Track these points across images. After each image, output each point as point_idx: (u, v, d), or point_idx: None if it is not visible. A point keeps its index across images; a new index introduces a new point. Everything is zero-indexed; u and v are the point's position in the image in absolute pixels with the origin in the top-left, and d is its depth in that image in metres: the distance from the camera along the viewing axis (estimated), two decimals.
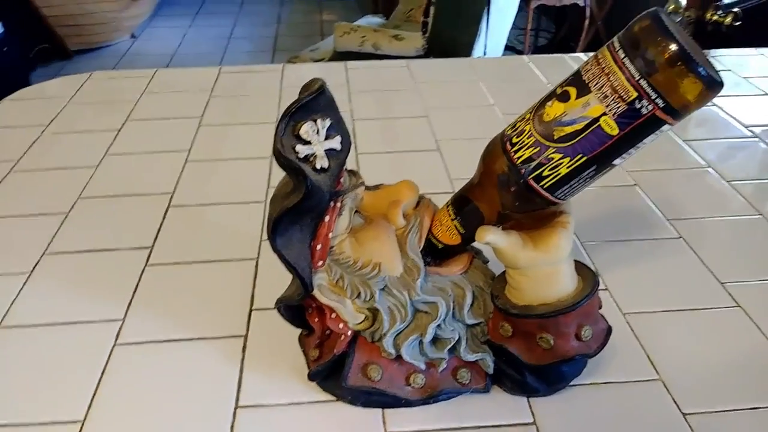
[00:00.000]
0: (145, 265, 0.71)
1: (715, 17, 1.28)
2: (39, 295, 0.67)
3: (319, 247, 0.48)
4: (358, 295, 0.49)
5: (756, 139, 0.97)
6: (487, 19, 2.11)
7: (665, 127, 0.41)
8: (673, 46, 0.38)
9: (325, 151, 0.47)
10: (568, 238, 0.48)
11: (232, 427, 0.52)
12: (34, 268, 0.71)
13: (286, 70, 1.21)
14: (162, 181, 0.86)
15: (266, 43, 3.83)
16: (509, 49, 3.01)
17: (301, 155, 0.46)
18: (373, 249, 0.49)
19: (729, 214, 0.79)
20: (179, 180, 0.87)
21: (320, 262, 0.49)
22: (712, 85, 0.39)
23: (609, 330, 0.51)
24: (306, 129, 0.46)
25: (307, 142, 0.46)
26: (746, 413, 0.53)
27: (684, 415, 0.53)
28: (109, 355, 0.59)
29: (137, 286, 0.68)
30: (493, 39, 2.25)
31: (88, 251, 0.74)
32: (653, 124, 0.40)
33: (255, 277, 0.69)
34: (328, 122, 0.47)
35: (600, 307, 0.52)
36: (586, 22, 2.79)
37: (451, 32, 2.14)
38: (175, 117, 1.03)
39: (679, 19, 1.37)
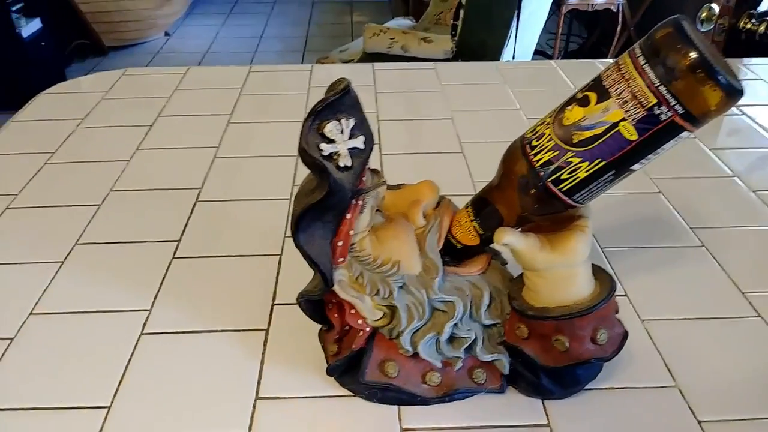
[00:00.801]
0: (173, 257, 0.73)
1: (749, 25, 1.27)
2: (70, 283, 0.69)
3: (340, 243, 0.49)
4: (377, 292, 0.50)
5: None
6: (517, 23, 2.10)
7: (685, 134, 0.41)
8: (694, 54, 0.38)
9: (348, 149, 0.48)
10: (586, 241, 0.48)
11: (252, 417, 0.54)
12: (66, 257, 0.73)
13: (314, 70, 1.23)
14: (190, 177, 0.88)
15: (297, 44, 3.87)
16: (539, 53, 3.00)
17: (326, 153, 0.47)
18: (393, 247, 0.50)
19: (753, 224, 0.79)
20: (207, 176, 0.89)
21: (341, 259, 0.50)
22: (732, 92, 0.39)
23: (625, 334, 0.52)
24: (330, 128, 0.47)
25: (331, 141, 0.47)
26: (763, 423, 0.53)
27: (699, 422, 0.53)
28: (136, 344, 0.61)
29: (164, 277, 0.70)
30: (523, 43, 2.24)
31: (118, 242, 0.76)
32: (672, 131, 0.41)
33: (278, 273, 0.70)
34: (352, 122, 0.48)
35: (617, 312, 0.52)
36: (619, 27, 2.76)
37: (480, 35, 2.14)
38: (205, 114, 1.06)
39: (713, 26, 1.35)
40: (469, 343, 0.52)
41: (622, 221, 0.79)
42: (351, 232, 0.49)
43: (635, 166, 0.43)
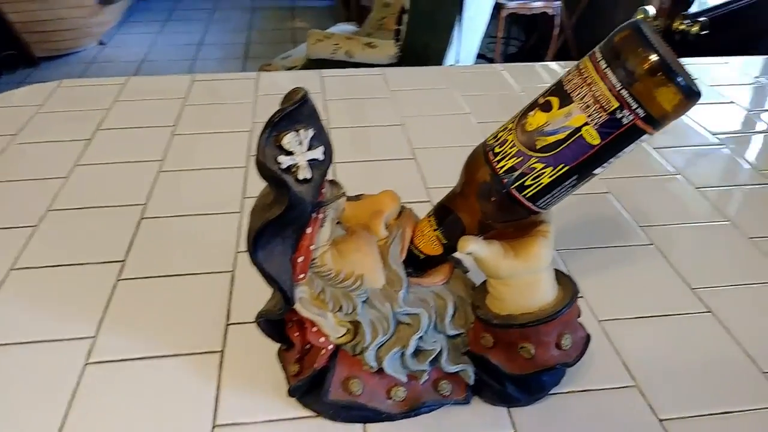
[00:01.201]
0: (117, 279, 0.69)
1: (683, 26, 1.31)
2: (5, 313, 0.65)
3: (300, 259, 0.47)
4: (340, 308, 0.48)
5: (722, 146, 0.99)
6: (460, 26, 2.12)
7: (644, 137, 0.41)
8: (654, 57, 0.38)
9: (307, 161, 0.46)
10: (549, 247, 0.48)
11: None
12: None
13: (260, 78, 1.20)
14: (134, 192, 0.85)
15: (237, 50, 3.80)
16: (480, 57, 3.04)
17: (284, 166, 0.45)
18: (355, 261, 0.48)
19: (697, 220, 0.81)
20: (152, 190, 0.85)
21: (302, 275, 0.48)
22: (691, 95, 0.39)
23: (588, 338, 0.52)
24: (289, 139, 0.45)
25: (289, 153, 0.45)
26: (720, 418, 0.54)
27: (661, 421, 0.53)
28: (81, 375, 0.58)
29: (109, 301, 0.66)
30: (466, 47, 2.27)
31: (58, 266, 0.72)
32: (633, 134, 0.41)
33: (231, 290, 0.67)
34: (311, 132, 0.47)
35: (579, 315, 0.52)
36: (556, 30, 2.83)
37: (423, 40, 2.15)
38: (147, 126, 1.02)
39: None
40: (434, 355, 0.51)
41: (574, 222, 0.79)
42: (312, 247, 0.48)
43: (597, 170, 0.43)
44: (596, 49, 0.41)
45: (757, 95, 1.18)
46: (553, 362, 0.49)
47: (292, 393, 0.53)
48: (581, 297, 0.67)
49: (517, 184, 0.44)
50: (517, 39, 3.57)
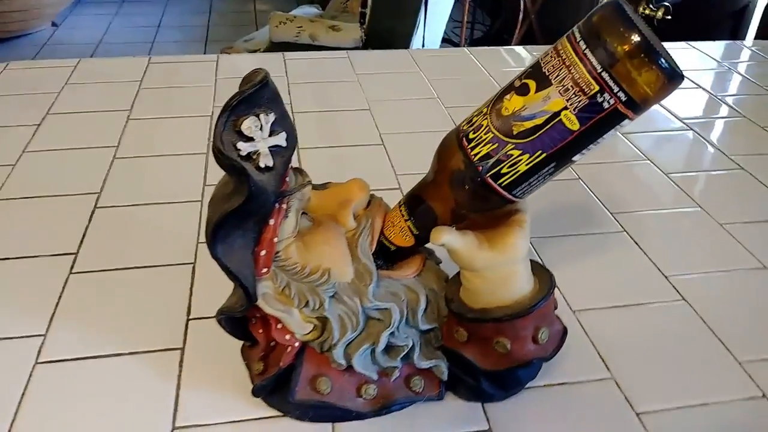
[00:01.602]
0: (69, 273, 0.65)
1: (647, 11, 1.31)
2: None
3: (263, 253, 0.44)
4: (306, 304, 0.46)
5: (688, 131, 0.99)
6: (425, 10, 2.09)
7: (625, 122, 0.39)
8: (636, 37, 0.36)
9: (269, 148, 0.43)
10: (525, 237, 0.46)
11: None
12: None
13: (220, 60, 1.16)
14: (87, 180, 0.80)
15: (198, 33, 3.70)
16: (446, 41, 3.01)
17: (243, 153, 0.42)
18: (322, 253, 0.46)
19: (669, 206, 0.80)
20: (107, 178, 0.81)
21: (265, 269, 0.45)
22: (674, 77, 0.38)
23: (565, 331, 0.50)
24: (248, 124, 0.42)
25: (249, 139, 0.42)
26: (697, 409, 0.53)
27: (638, 414, 0.52)
28: (30, 376, 0.54)
29: (60, 296, 0.62)
30: (431, 31, 2.24)
31: (4, 259, 0.67)
32: (614, 119, 0.39)
33: (192, 284, 0.64)
34: (272, 117, 0.43)
35: (555, 308, 0.50)
36: (521, 15, 2.82)
37: (389, 23, 2.12)
38: (100, 110, 0.97)
39: None
40: (406, 351, 0.49)
41: (547, 209, 0.78)
42: (275, 240, 0.45)
43: (576, 157, 0.41)
44: (575, 28, 0.39)
45: (720, 80, 1.19)
46: (530, 357, 0.48)
47: (256, 393, 0.50)
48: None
49: (492, 172, 0.42)
50: (482, 23, 3.55)
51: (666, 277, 0.68)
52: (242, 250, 0.43)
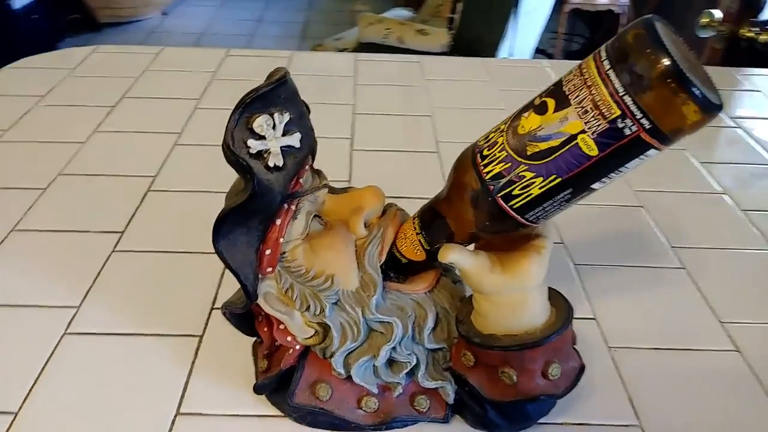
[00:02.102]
0: (113, 250, 0.68)
1: (750, 34, 1.21)
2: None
3: (268, 252, 0.44)
4: (308, 308, 0.45)
5: None
6: (515, 19, 2.04)
7: (652, 152, 0.36)
8: (665, 61, 0.33)
9: (281, 148, 0.43)
10: (541, 264, 0.43)
11: None
12: None
13: (294, 57, 1.18)
14: (146, 163, 0.83)
15: (295, 29, 3.80)
16: (540, 52, 2.94)
17: (253, 151, 0.42)
18: (328, 259, 0.45)
19: (740, 246, 0.74)
20: (164, 163, 0.84)
21: (269, 269, 0.45)
22: (708, 108, 0.34)
23: (581, 369, 0.47)
24: (260, 122, 0.42)
25: (261, 137, 0.42)
26: None
27: None
28: (57, 345, 0.56)
29: (100, 272, 0.65)
30: (521, 41, 2.18)
31: (58, 231, 0.71)
32: (637, 148, 0.35)
33: (222, 275, 0.65)
34: (287, 116, 0.43)
35: (574, 343, 0.47)
36: (620, 29, 2.70)
37: (477, 30, 2.09)
38: (171, 97, 1.00)
39: (713, 33, 1.29)
40: (409, 367, 0.47)
41: (598, 236, 0.74)
42: (281, 240, 0.44)
43: (596, 185, 0.38)
44: (603, 47, 0.36)
45: None
46: (538, 392, 0.45)
47: (257, 390, 0.50)
48: (592, 318, 0.62)
49: (503, 192, 0.39)
50: (581, 36, 3.44)
51: (721, 322, 0.62)
52: (245, 248, 0.43)
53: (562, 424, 0.51)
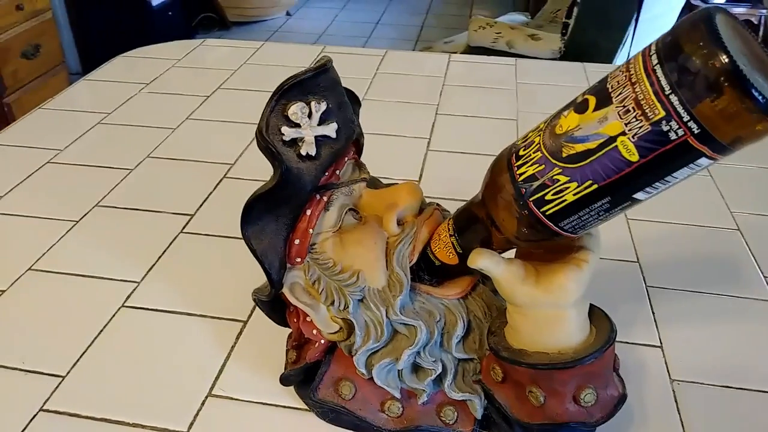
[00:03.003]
0: (181, 231, 0.71)
1: None
2: (76, 244, 0.68)
3: (297, 241, 0.44)
4: (332, 302, 0.44)
5: None
6: (635, 26, 1.93)
7: (704, 162, 0.32)
8: (721, 57, 0.29)
9: (316, 137, 0.42)
10: (580, 279, 0.39)
11: (196, 414, 0.50)
12: (82, 217, 0.73)
13: (387, 56, 1.17)
14: (227, 151, 0.86)
15: (411, 33, 3.82)
16: None
17: (287, 138, 0.41)
18: (355, 254, 0.44)
19: None
20: (244, 152, 0.86)
21: (298, 259, 0.44)
22: None
23: (622, 399, 0.42)
24: (295, 110, 0.41)
25: (295, 125, 0.41)
26: None
27: None
28: (112, 316, 0.59)
29: (164, 251, 0.68)
30: (640, 48, 2.06)
31: (135, 209, 0.75)
32: (685, 155, 0.31)
33: None
34: (324, 106, 0.42)
35: (616, 369, 0.43)
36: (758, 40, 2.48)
37: (592, 37, 1.99)
38: (263, 90, 1.03)
39: None
40: (434, 375, 0.44)
41: (681, 257, 0.67)
42: (311, 231, 0.44)
43: (639, 195, 0.34)
44: (655, 40, 0.32)
45: None
46: (566, 418, 0.41)
47: (283, 381, 0.49)
48: (658, 346, 0.56)
49: (536, 197, 0.36)
50: None
51: None
52: (274, 236, 0.43)
53: None
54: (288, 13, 4.07)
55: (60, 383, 0.52)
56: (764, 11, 2.42)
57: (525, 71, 1.11)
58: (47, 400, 0.51)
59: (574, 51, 2.03)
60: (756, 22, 2.47)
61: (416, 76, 1.09)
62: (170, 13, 3.29)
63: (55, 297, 0.61)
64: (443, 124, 0.94)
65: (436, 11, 4.17)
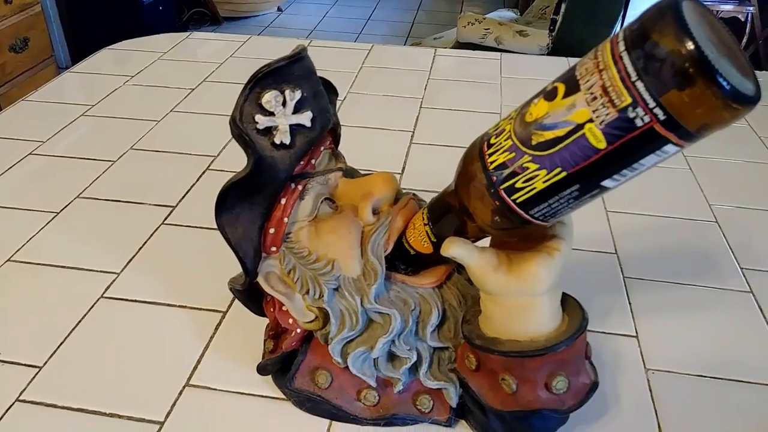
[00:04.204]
0: (162, 222, 0.71)
1: None
2: (57, 235, 0.68)
3: (272, 230, 0.44)
4: (308, 291, 0.44)
5: None
6: (622, 22, 1.94)
7: (670, 148, 0.32)
8: (688, 44, 0.29)
9: (290, 126, 0.42)
10: (552, 267, 0.40)
11: (173, 404, 0.50)
12: (63, 209, 0.72)
13: (373, 50, 1.17)
14: (210, 144, 0.86)
15: (402, 29, 3.82)
16: None
17: (261, 127, 0.41)
18: (331, 243, 0.44)
19: None
20: (227, 144, 0.86)
21: (273, 248, 0.44)
22: (738, 99, 0.29)
23: (593, 386, 0.43)
24: (269, 98, 0.41)
25: (269, 113, 0.41)
26: None
27: None
28: (91, 307, 0.59)
29: (146, 242, 0.67)
30: None
31: (117, 201, 0.74)
32: (652, 142, 0.31)
33: None
34: (298, 94, 0.42)
35: (588, 357, 0.43)
36: (745, 38, 2.49)
37: (580, 33, 1.99)
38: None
39: None
40: (409, 364, 0.45)
41: (658, 249, 0.68)
42: (285, 220, 0.44)
43: (607, 183, 0.34)
44: (623, 27, 0.32)
45: None
46: (538, 405, 0.41)
47: (260, 370, 0.49)
48: (634, 336, 0.57)
49: (506, 184, 0.36)
50: None
51: None
52: (248, 224, 0.43)
53: None
54: (279, 9, 4.06)
55: (37, 373, 0.52)
56: (751, 8, 2.43)
57: (510, 66, 1.12)
58: (24, 390, 0.51)
59: (562, 47, 2.04)
60: (743, 19, 2.48)
61: (402, 70, 1.10)
62: (161, 8, 3.26)
63: (33, 288, 0.61)
64: (427, 117, 0.94)
65: (426, 7, 4.17)
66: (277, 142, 0.41)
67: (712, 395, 0.51)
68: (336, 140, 0.49)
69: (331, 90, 0.48)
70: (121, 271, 0.63)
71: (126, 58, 1.13)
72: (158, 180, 0.78)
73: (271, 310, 0.49)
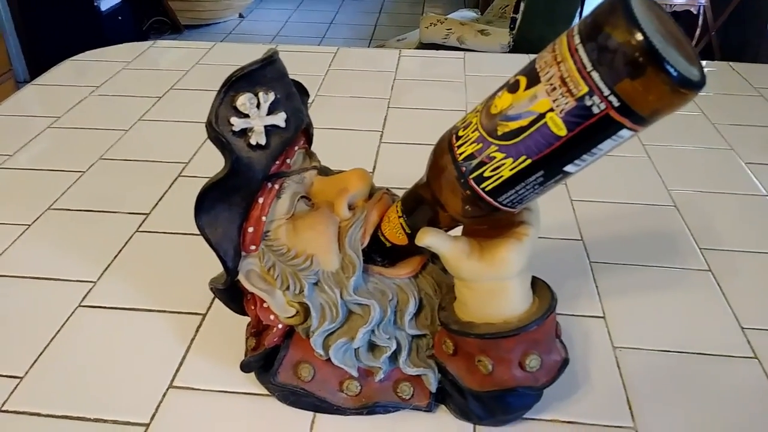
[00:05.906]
0: (136, 230, 0.71)
1: None
2: (29, 247, 0.68)
3: (250, 229, 0.45)
4: (288, 287, 0.45)
5: None
6: (580, 18, 1.99)
7: (625, 133, 0.34)
8: (637, 35, 0.31)
9: (265, 127, 0.43)
10: (521, 252, 0.42)
11: (158, 406, 0.50)
12: (34, 221, 0.72)
13: (339, 53, 1.19)
14: (181, 151, 0.86)
15: (365, 32, 3.84)
16: None
17: (237, 129, 0.43)
18: (308, 239, 0.45)
19: None
20: (198, 151, 0.87)
21: (252, 247, 0.45)
22: (684, 85, 0.32)
23: (564, 362, 0.45)
24: (243, 101, 0.42)
25: (244, 115, 0.43)
26: None
27: None
28: (69, 316, 0.59)
29: (121, 250, 0.68)
30: None
31: (89, 211, 0.74)
32: (608, 127, 0.34)
33: None
34: (272, 96, 0.44)
35: (558, 335, 0.45)
36: (698, 30, 2.58)
37: (539, 31, 2.04)
38: (214, 89, 1.03)
39: None
40: (389, 352, 0.46)
41: (622, 234, 0.71)
42: (264, 219, 0.45)
43: (569, 168, 0.37)
44: (577, 22, 0.35)
45: None
46: (514, 384, 0.43)
47: (243, 367, 0.50)
48: (601, 317, 0.59)
49: (475, 174, 0.38)
50: None
51: (742, 328, 0.58)
52: (227, 224, 0.44)
53: (551, 420, 0.49)
54: (241, 15, 4.05)
55: (18, 384, 0.52)
56: (703, 1, 2.52)
57: (473, 65, 1.14)
58: (5, 401, 0.51)
59: (522, 45, 2.08)
60: (696, 12, 2.57)
61: (368, 72, 1.11)
62: (120, 17, 3.23)
63: (9, 301, 0.61)
64: (395, 117, 0.96)
65: (388, 10, 4.20)
66: (253, 143, 0.43)
67: (676, 369, 0.54)
68: (309, 140, 0.51)
69: (302, 91, 0.49)
70: (98, 279, 0.64)
71: (89, 69, 1.13)
72: (130, 189, 0.78)
73: (252, 307, 0.50)
